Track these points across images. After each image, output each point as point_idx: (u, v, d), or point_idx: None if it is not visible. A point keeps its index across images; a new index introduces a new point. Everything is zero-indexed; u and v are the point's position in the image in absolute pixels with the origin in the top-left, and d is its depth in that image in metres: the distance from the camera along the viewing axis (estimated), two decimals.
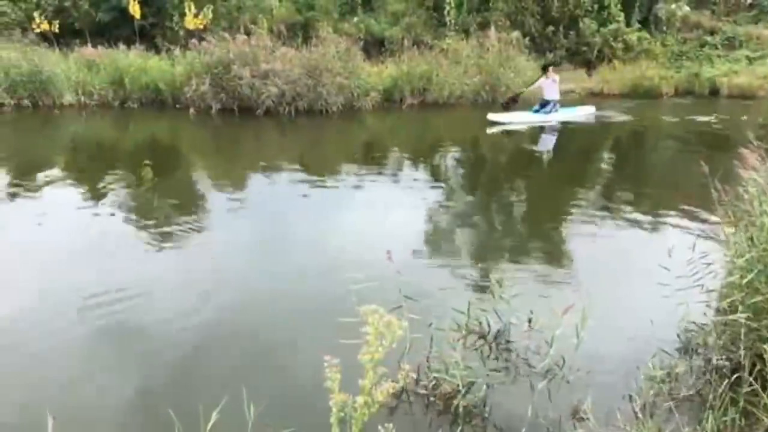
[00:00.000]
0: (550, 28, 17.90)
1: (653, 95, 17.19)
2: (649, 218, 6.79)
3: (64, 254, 5.90)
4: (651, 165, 10.39)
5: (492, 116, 12.66)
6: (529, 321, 3.78)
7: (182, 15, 15.75)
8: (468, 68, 15.15)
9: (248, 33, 14.13)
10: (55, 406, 2.90)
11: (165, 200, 8.09)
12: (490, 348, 3.76)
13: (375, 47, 16.47)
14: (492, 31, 15.93)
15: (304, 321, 4.34)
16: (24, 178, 8.83)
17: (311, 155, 10.65)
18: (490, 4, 17.74)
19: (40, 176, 8.81)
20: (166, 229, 6.78)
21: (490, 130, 12.24)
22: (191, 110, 13.48)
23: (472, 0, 18.25)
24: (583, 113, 13.86)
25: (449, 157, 10.40)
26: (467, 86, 14.89)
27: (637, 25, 19.24)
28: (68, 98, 13.93)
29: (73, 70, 14.31)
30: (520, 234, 6.70)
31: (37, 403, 3.23)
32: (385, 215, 7.07)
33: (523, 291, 4.18)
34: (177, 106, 13.90)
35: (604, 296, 4.44)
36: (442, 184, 8.69)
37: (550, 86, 13.20)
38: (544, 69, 13.60)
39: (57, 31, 15.51)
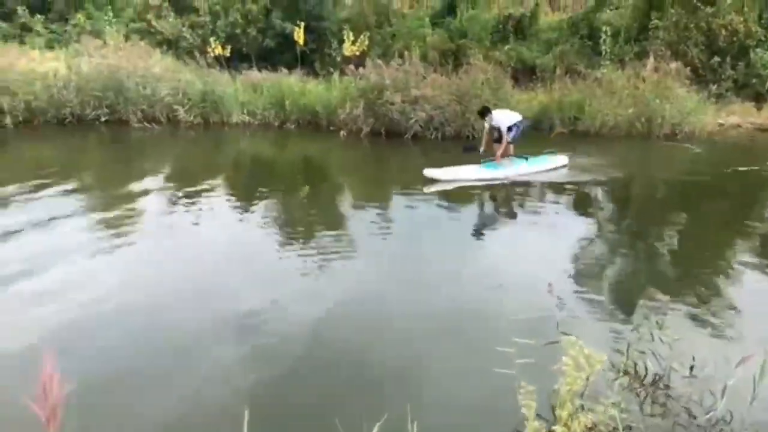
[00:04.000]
0: (716, 58, 16.82)
1: None
2: None
3: (214, 264, 6.39)
4: None
5: (428, 172, 10.29)
6: (691, 368, 3.58)
7: (341, 42, 16.64)
8: (623, 99, 14.62)
9: (402, 60, 14.58)
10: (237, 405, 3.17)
11: (312, 216, 8.55)
12: (647, 393, 3.60)
13: (525, 75, 16.36)
14: (650, 61, 15.27)
15: (460, 348, 4.40)
16: (188, 186, 9.69)
17: None
18: (650, 33, 17.03)
19: (203, 187, 9.65)
20: (311, 243, 7.14)
21: (427, 189, 9.86)
22: (342, 132, 14.10)
23: (629, 29, 17.64)
24: (553, 165, 11.04)
25: (599, 188, 10.07)
26: (621, 117, 14.36)
27: None
28: (235, 117, 15.11)
29: (240, 91, 15.55)
30: (685, 275, 6.32)
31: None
32: (538, 243, 6.99)
33: (685, 335, 3.96)
34: (330, 128, 14.61)
35: None
36: (595, 216, 8.43)
37: (499, 119, 10.46)
38: (482, 114, 10.73)
39: (228, 55, 16.90)
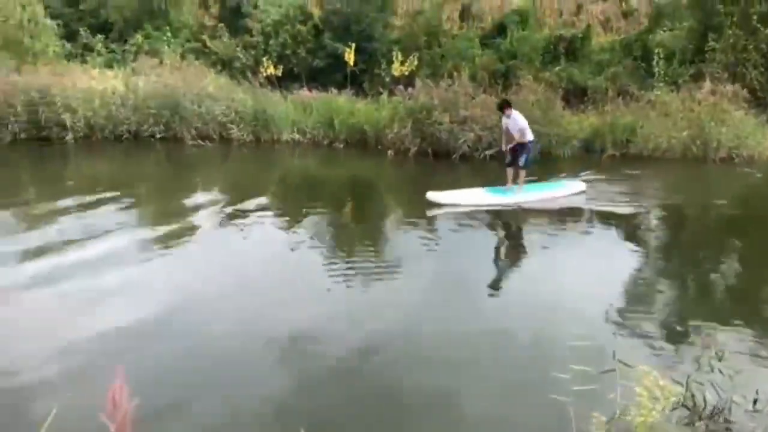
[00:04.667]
0: None
1: None
2: None
3: (260, 282, 6.48)
4: None
5: (432, 195, 10.04)
6: (755, 402, 3.42)
7: (390, 63, 16.75)
8: (677, 121, 14.27)
9: (451, 80, 14.59)
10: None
11: (358, 235, 8.61)
12: (706, 426, 3.45)
13: (576, 96, 16.13)
14: (706, 83, 14.90)
15: (514, 373, 4.35)
16: (239, 203, 9.90)
17: None
18: (706, 56, 16.63)
19: (253, 203, 9.84)
20: (356, 262, 7.18)
21: (430, 212, 9.66)
22: (390, 152, 14.14)
23: (685, 51, 17.26)
24: (567, 192, 10.54)
25: (652, 213, 9.82)
26: (675, 139, 14.01)
27: None
28: (285, 135, 15.34)
29: (291, 110, 15.79)
30: (745, 305, 6.07)
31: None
32: (590, 268, 6.86)
33: (746, 368, 3.80)
34: (378, 147, 14.67)
35: None
36: (648, 242, 8.23)
37: (513, 125, 10.07)
38: (500, 108, 10.46)
39: (279, 75, 17.20)
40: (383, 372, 4.52)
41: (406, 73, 16.25)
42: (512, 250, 8.15)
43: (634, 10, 20.69)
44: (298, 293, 6.16)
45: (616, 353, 3.33)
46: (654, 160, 13.92)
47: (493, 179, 10.76)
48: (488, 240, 8.68)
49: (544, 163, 13.21)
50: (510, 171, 10.35)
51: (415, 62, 16.47)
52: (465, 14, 20.54)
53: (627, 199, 10.48)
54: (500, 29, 18.86)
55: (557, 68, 16.96)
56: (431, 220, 9.35)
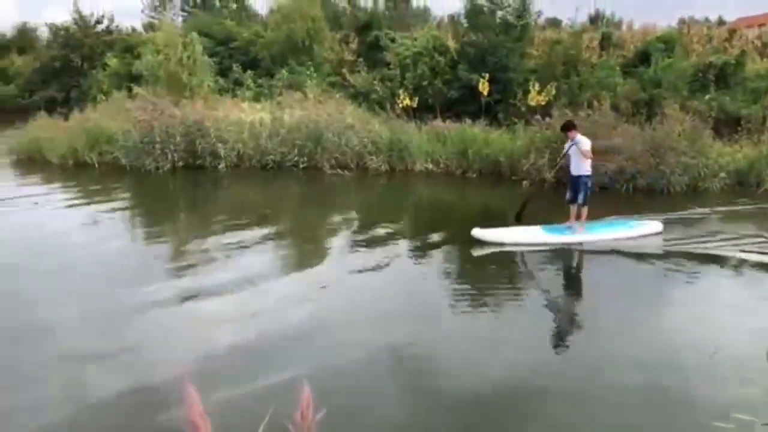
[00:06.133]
0: None
1: None
2: None
3: (390, 312, 6.59)
4: None
5: (477, 233, 9.36)
6: None
7: (526, 93, 16.60)
8: None
9: (591, 109, 14.19)
10: None
11: (486, 268, 8.55)
12: None
13: (728, 126, 15.12)
14: None
15: (675, 420, 4.14)
16: (372, 229, 10.21)
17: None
18: None
19: (386, 231, 10.12)
20: (486, 296, 7.14)
21: (476, 252, 9.08)
22: (525, 182, 13.93)
23: None
24: (638, 233, 9.62)
25: None
26: None
27: None
28: (419, 165, 15.58)
29: (425, 140, 16.02)
30: None
31: None
32: (743, 311, 6.38)
33: None
34: (513, 177, 14.51)
35: None
36: None
37: (575, 151, 9.45)
38: (565, 129, 9.89)
39: (415, 106, 17.57)
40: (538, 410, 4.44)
41: (543, 103, 16.02)
42: (655, 290, 7.71)
43: None
44: (424, 327, 6.24)
45: None
46: None
47: (639, 212, 10.36)
48: (638, 275, 8.29)
49: (692, 196, 12.46)
50: (573, 208, 9.75)
51: (553, 92, 16.21)
52: (605, 42, 19.99)
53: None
54: (643, 57, 18.16)
55: (707, 96, 16.00)
56: (569, 254, 9.10)
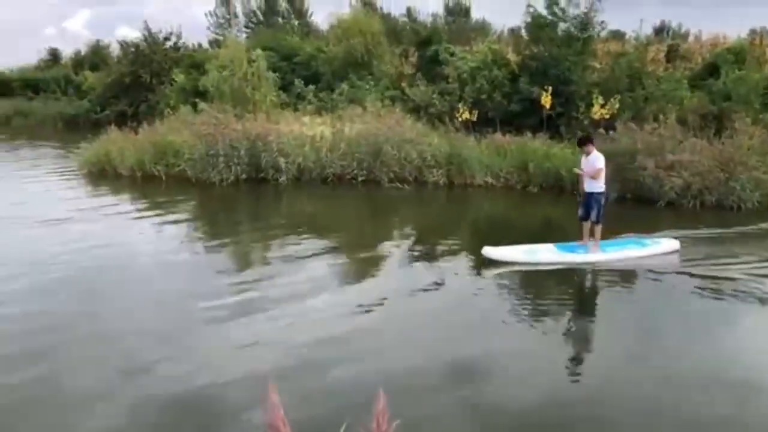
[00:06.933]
0: None
1: None
2: None
3: (447, 332, 6.65)
4: None
5: (488, 251, 9.05)
6: None
7: (588, 106, 16.31)
8: None
9: (656, 123, 13.84)
10: None
11: (545, 287, 8.46)
12: None
13: None
14: None
15: None
16: (431, 244, 10.25)
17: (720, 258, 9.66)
18: None
19: (445, 246, 10.14)
20: (545, 314, 7.07)
21: (487, 273, 8.83)
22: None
23: None
24: (653, 252, 9.31)
25: None
26: None
27: None
28: (478, 179, 15.46)
29: (485, 154, 15.92)
30: None
31: None
32: None
33: None
34: (574, 192, 14.22)
35: None
36: None
37: (590, 165, 9.08)
38: (581, 143, 9.45)
39: (474, 119, 17.50)
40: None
41: (607, 116, 15.70)
42: (721, 317, 7.45)
43: None
44: (479, 343, 6.22)
45: None
46: None
47: (703, 229, 10.07)
48: (693, 301, 8.01)
49: (765, 213, 11.98)
50: (585, 225, 9.39)
51: (617, 105, 15.87)
52: (671, 55, 19.49)
53: None
54: (712, 69, 17.61)
55: None
56: (627, 274, 8.91)
